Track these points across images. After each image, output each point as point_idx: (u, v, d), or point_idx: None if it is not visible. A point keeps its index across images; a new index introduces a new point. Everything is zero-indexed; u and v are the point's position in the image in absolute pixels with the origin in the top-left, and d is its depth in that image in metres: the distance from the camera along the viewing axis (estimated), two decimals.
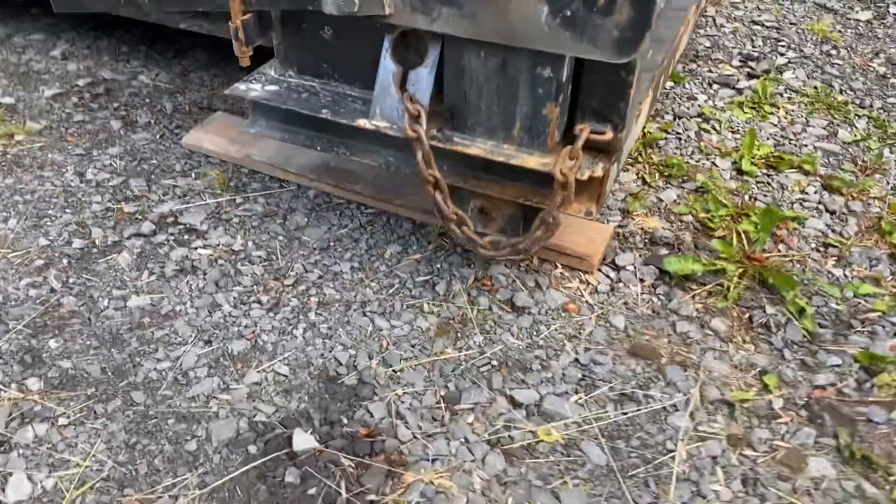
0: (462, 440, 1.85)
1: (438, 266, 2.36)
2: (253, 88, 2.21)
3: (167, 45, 3.57)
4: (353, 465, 1.78)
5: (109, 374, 1.99)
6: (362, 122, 2.06)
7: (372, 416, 1.90)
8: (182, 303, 2.20)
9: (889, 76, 3.49)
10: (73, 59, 3.44)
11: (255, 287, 2.26)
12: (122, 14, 2.62)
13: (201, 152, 2.80)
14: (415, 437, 1.85)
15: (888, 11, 4.12)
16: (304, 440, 1.81)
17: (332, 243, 2.43)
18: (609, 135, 1.88)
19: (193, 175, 2.70)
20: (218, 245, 2.40)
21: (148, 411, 1.90)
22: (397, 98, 1.99)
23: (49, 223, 2.46)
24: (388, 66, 2.00)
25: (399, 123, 2.02)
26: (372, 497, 1.72)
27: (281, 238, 2.44)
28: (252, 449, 1.81)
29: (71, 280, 2.26)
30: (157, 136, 2.91)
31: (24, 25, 3.72)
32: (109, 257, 2.34)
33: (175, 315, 2.16)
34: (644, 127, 3.06)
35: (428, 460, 1.80)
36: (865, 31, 3.92)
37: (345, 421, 1.89)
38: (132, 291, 2.23)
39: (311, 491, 1.72)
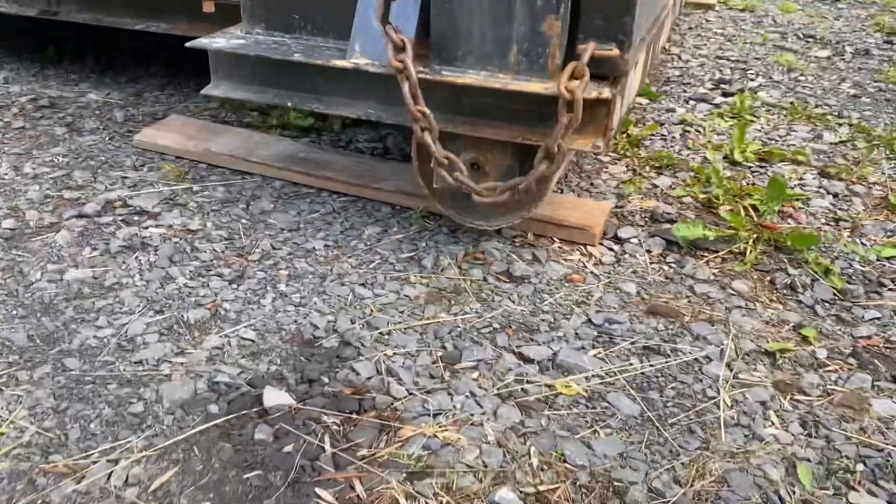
0: (467, 394, 1.54)
1: (423, 244, 2.11)
2: (217, 41, 2.01)
3: (119, 72, 3.39)
4: (339, 422, 1.46)
5: (38, 341, 1.65)
6: (340, 63, 1.87)
7: (358, 374, 1.59)
8: (129, 276, 1.89)
9: (860, 96, 3.48)
10: (16, 83, 3.22)
11: (215, 262, 1.97)
12: None
13: (155, 150, 2.55)
14: (410, 393, 1.55)
15: (845, 50, 4.20)
16: (276, 396, 1.49)
17: (302, 225, 2.17)
18: (615, 51, 1.71)
19: (146, 169, 2.45)
20: (172, 226, 2.12)
21: (84, 377, 1.55)
22: (379, 31, 1.81)
23: None
24: None
25: (381, 59, 1.83)
26: (363, 452, 1.39)
27: (244, 221, 2.18)
28: (213, 408, 1.47)
29: None
30: (106, 139, 2.66)
31: None
32: (45, 236, 2.04)
33: (121, 287, 1.85)
34: (629, 121, 2.94)
35: (429, 415, 1.49)
36: (827, 64, 3.97)
37: (325, 380, 1.57)
38: (70, 265, 1.92)
39: (288, 448, 1.38)
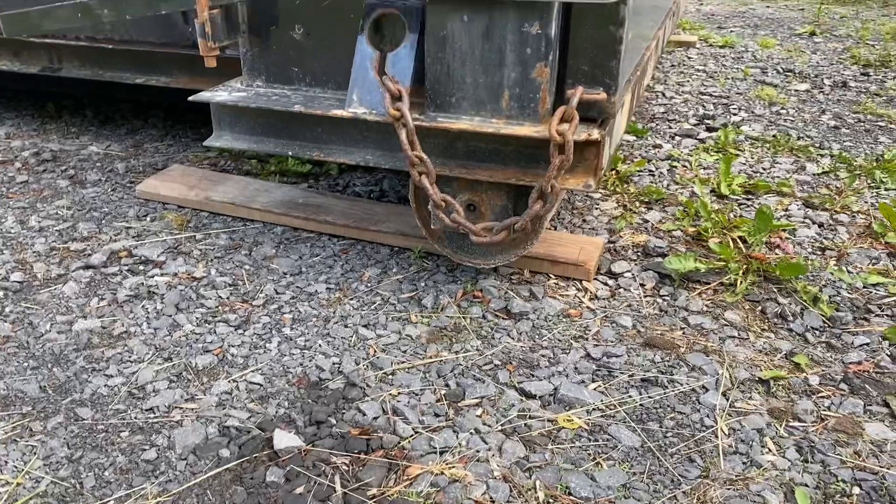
0: (472, 431, 1.58)
1: (423, 284, 2.16)
2: (219, 94, 2.09)
3: (119, 125, 3.46)
4: (348, 462, 1.49)
5: (50, 392, 1.69)
6: (339, 112, 1.94)
7: (364, 415, 1.63)
8: (137, 324, 1.93)
9: (840, 127, 3.59)
10: (17, 138, 3.28)
11: (220, 308, 2.02)
12: (80, 27, 2.43)
13: (157, 200, 2.61)
14: (416, 432, 1.59)
15: (824, 83, 4.32)
16: (286, 439, 1.53)
17: (304, 269, 2.22)
18: (602, 95, 1.79)
19: (149, 219, 2.50)
20: (177, 273, 2.16)
21: (96, 425, 1.59)
22: (376, 82, 1.89)
23: None
24: (364, 52, 1.91)
25: (379, 108, 1.90)
26: (373, 491, 1.42)
27: (248, 266, 2.23)
28: (224, 452, 1.51)
29: (7, 310, 1.98)
30: (109, 190, 2.72)
31: None
32: (53, 288, 2.08)
33: (129, 336, 1.89)
34: (617, 158, 3.02)
35: (435, 452, 1.53)
36: (807, 97, 4.08)
37: (333, 421, 1.61)
38: (79, 316, 1.96)
39: (299, 489, 1.42)
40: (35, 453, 1.51)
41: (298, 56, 2.08)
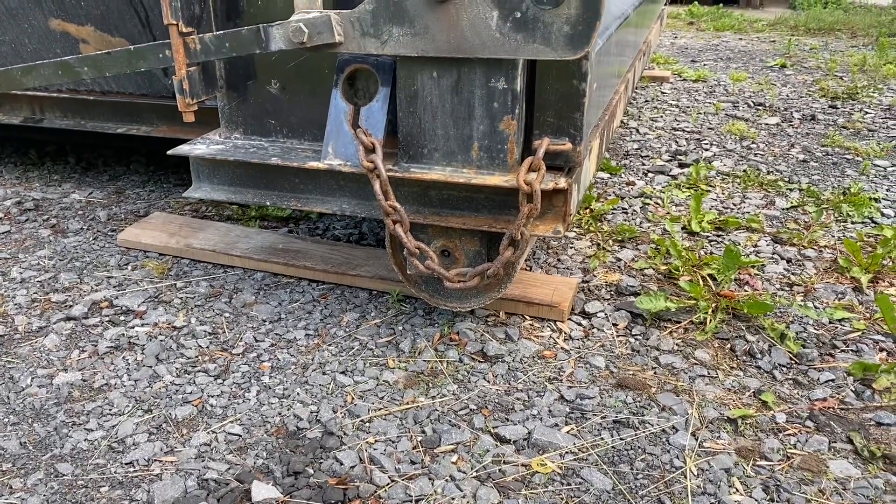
0: (447, 478, 1.62)
1: (400, 328, 2.20)
2: (197, 148, 2.14)
3: (101, 171, 3.50)
4: None
5: (30, 448, 1.70)
6: (314, 164, 2.00)
7: (341, 464, 1.66)
8: (118, 376, 1.96)
9: (808, 160, 3.68)
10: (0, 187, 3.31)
11: (200, 357, 2.05)
12: (61, 83, 2.47)
13: (138, 248, 2.65)
14: (393, 480, 1.62)
15: (793, 116, 4.44)
16: (264, 491, 1.55)
17: (283, 316, 2.26)
18: (568, 145, 1.86)
19: (130, 268, 2.53)
20: (157, 323, 2.19)
21: (76, 481, 1.61)
22: (350, 135, 1.95)
23: None
24: (339, 105, 1.97)
25: (353, 160, 1.96)
26: None
27: (227, 314, 2.26)
28: None
29: None
30: (91, 239, 2.75)
31: None
32: (34, 340, 2.11)
33: (110, 388, 1.91)
34: (591, 196, 3.09)
35: (411, 501, 1.56)
36: (777, 131, 4.19)
37: (310, 472, 1.64)
38: (59, 369, 1.98)
39: None
40: None
41: (275, 109, 2.14)
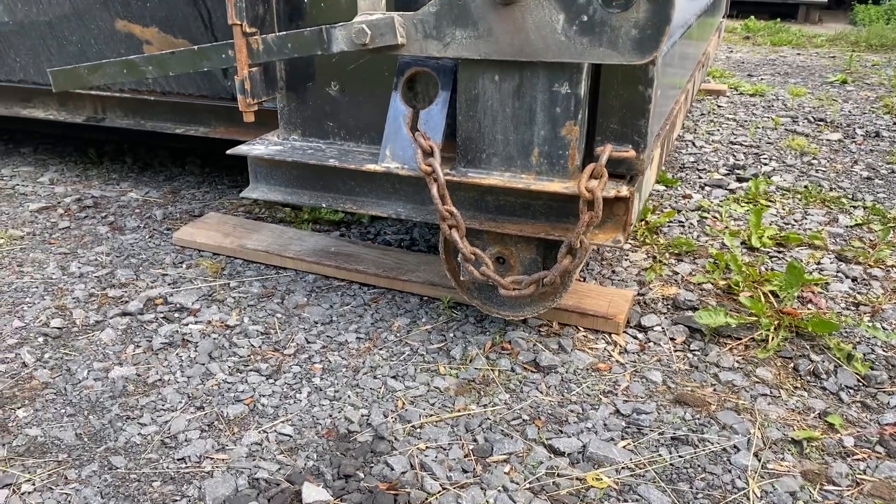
0: (500, 489, 1.58)
1: (451, 335, 2.17)
2: (256, 148, 2.15)
3: (157, 171, 3.56)
4: None
5: (85, 439, 1.72)
6: (371, 167, 1.99)
7: (392, 469, 1.63)
8: (171, 373, 1.97)
9: (873, 178, 3.56)
10: (60, 184, 3.39)
11: (252, 357, 2.05)
12: (124, 81, 2.48)
13: (193, 247, 2.67)
14: (444, 488, 1.59)
15: (856, 132, 4.31)
16: (315, 493, 1.54)
17: (334, 318, 2.25)
18: (631, 153, 1.82)
19: (184, 266, 2.56)
20: (210, 321, 2.20)
21: (129, 474, 1.61)
22: (408, 138, 1.93)
23: (25, 308, 2.26)
24: (398, 108, 1.96)
25: (411, 164, 1.94)
26: None
27: (279, 315, 2.26)
28: None
29: (46, 355, 2.03)
30: (147, 237, 2.79)
31: (13, 160, 3.71)
32: (91, 334, 2.13)
33: (163, 384, 1.92)
34: (647, 209, 3.03)
35: None
36: (839, 147, 4.07)
37: (361, 475, 1.62)
38: (115, 363, 2.00)
39: None
40: (69, 502, 1.53)
41: (333, 111, 2.14)
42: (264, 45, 1.96)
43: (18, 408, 1.82)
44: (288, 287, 2.42)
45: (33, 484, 1.58)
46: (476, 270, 1.92)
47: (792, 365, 2.05)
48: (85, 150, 3.78)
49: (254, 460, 1.66)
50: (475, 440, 1.74)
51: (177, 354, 2.05)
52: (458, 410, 1.85)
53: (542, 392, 1.93)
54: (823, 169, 3.69)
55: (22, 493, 1.55)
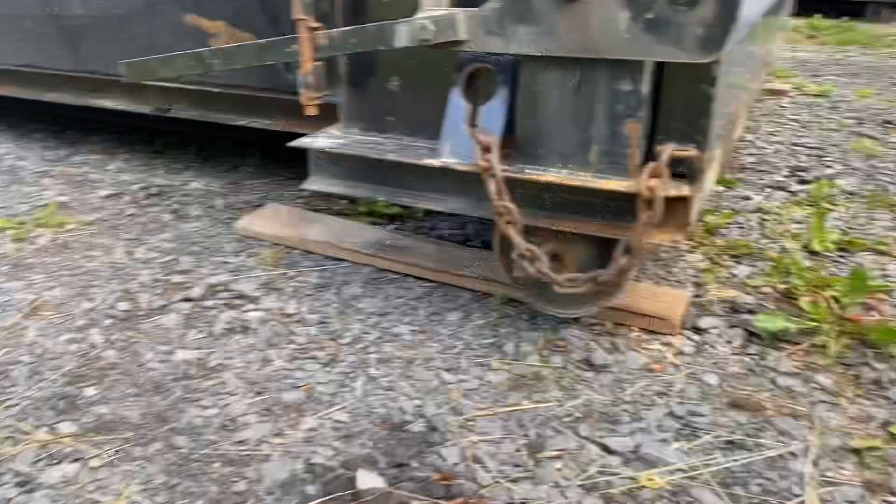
0: (552, 484, 1.59)
1: (504, 330, 2.18)
2: (318, 141, 2.19)
3: (219, 162, 3.65)
4: None
5: (150, 419, 1.78)
6: (430, 161, 2.01)
7: (445, 460, 1.66)
8: (231, 358, 2.02)
9: None
10: (127, 172, 3.50)
11: (309, 345, 2.09)
12: (191, 74, 2.55)
13: (253, 236, 2.74)
14: (496, 481, 1.60)
15: None
16: (370, 479, 1.57)
17: (389, 310, 2.28)
18: (693, 152, 1.80)
19: (245, 254, 2.62)
20: (270, 309, 2.26)
21: (191, 455, 1.67)
22: (467, 134, 1.95)
23: (95, 291, 2.35)
24: (457, 104, 1.97)
25: (469, 159, 1.96)
26: None
27: (336, 305, 2.30)
28: (310, 490, 1.56)
29: (114, 337, 2.11)
30: (209, 226, 2.87)
31: (84, 148, 3.85)
32: (155, 318, 2.21)
33: (224, 368, 1.98)
34: (705, 210, 2.99)
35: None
36: None
37: (415, 465, 1.64)
38: (178, 347, 2.07)
39: None
40: (134, 477, 1.60)
41: (393, 106, 2.17)
42: (328, 39, 2.00)
43: (87, 386, 1.89)
44: (344, 278, 2.46)
45: (101, 459, 1.65)
46: (531, 267, 1.92)
47: (853, 372, 2.00)
48: (150, 141, 3.89)
49: (310, 445, 1.70)
50: (527, 435, 1.75)
51: (237, 340, 2.10)
52: (511, 405, 1.86)
53: (594, 390, 1.92)
54: (891, 173, 3.57)
55: (91, 468, 1.62)
